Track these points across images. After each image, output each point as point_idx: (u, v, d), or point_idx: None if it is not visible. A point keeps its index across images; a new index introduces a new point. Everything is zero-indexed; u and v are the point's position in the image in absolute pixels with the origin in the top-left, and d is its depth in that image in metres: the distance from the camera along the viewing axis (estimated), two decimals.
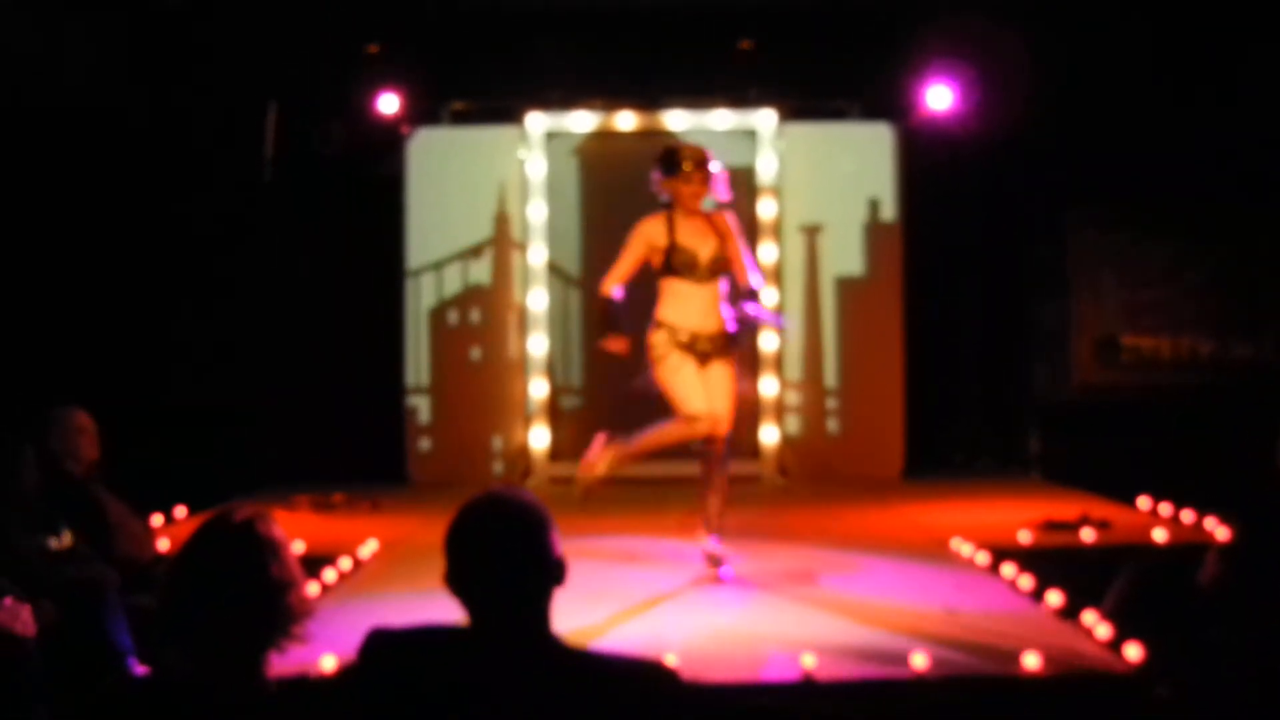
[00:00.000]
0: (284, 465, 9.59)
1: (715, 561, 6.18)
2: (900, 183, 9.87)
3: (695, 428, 6.08)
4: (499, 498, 2.57)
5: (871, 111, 10.04)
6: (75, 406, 5.83)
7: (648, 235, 6.18)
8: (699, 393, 6.06)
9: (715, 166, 6.19)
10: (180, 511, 7.52)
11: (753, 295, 6.14)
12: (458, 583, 2.53)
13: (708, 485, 6.25)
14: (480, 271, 9.95)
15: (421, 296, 9.94)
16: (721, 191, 6.24)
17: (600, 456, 6.18)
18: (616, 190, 9.98)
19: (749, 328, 6.63)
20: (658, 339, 6.12)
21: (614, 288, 6.25)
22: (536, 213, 9.82)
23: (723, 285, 6.21)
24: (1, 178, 8.35)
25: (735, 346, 6.24)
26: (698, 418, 6.05)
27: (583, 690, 2.43)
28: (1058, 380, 10.07)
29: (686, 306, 6.12)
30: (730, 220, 6.27)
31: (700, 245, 6.13)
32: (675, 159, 6.16)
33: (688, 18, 9.66)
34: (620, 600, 5.68)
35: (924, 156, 9.85)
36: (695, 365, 6.09)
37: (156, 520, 7.03)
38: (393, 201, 9.89)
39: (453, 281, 9.94)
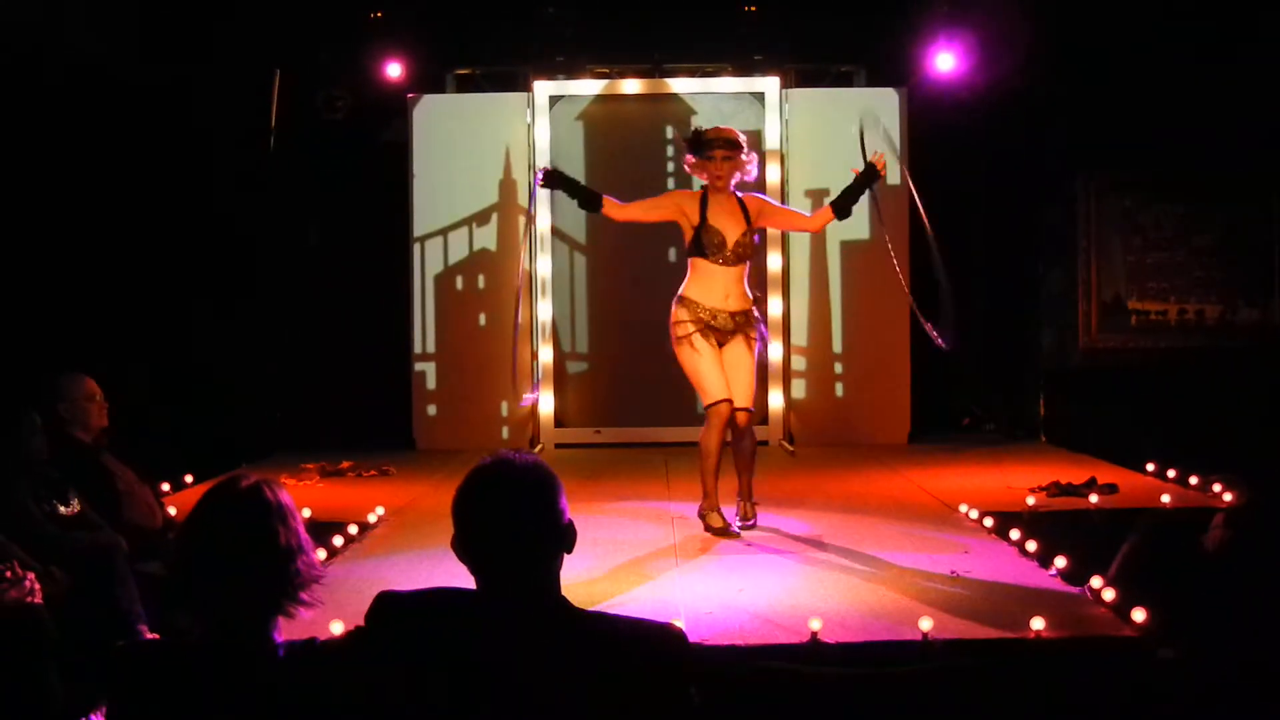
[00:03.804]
0: (292, 432, 9.63)
1: (726, 533, 6.26)
2: (906, 147, 9.81)
3: (719, 411, 6.22)
4: (507, 462, 2.55)
5: (877, 76, 9.99)
6: (82, 374, 5.85)
7: (681, 203, 6.47)
8: (718, 376, 6.26)
9: (744, 147, 6.43)
10: (188, 479, 7.54)
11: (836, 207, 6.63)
12: (466, 548, 2.52)
13: (736, 458, 6.41)
14: (486, 237, 9.93)
15: (427, 263, 9.93)
16: (752, 170, 6.49)
17: (708, 512, 6.32)
18: (621, 154, 9.96)
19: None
20: (680, 314, 6.34)
21: (614, 208, 6.50)
22: None
23: (747, 268, 6.44)
24: (7, 144, 8.32)
25: (756, 323, 6.45)
26: (717, 403, 6.23)
27: (592, 652, 2.44)
28: (1065, 344, 10.06)
29: (711, 286, 6.33)
30: (763, 196, 6.68)
31: (729, 227, 6.35)
32: (703, 140, 6.40)
33: None
34: (628, 564, 5.71)
35: (930, 121, 9.79)
36: (714, 348, 6.29)
37: (164, 488, 7.06)
38: (398, 168, 9.87)
39: (459, 247, 9.92)
